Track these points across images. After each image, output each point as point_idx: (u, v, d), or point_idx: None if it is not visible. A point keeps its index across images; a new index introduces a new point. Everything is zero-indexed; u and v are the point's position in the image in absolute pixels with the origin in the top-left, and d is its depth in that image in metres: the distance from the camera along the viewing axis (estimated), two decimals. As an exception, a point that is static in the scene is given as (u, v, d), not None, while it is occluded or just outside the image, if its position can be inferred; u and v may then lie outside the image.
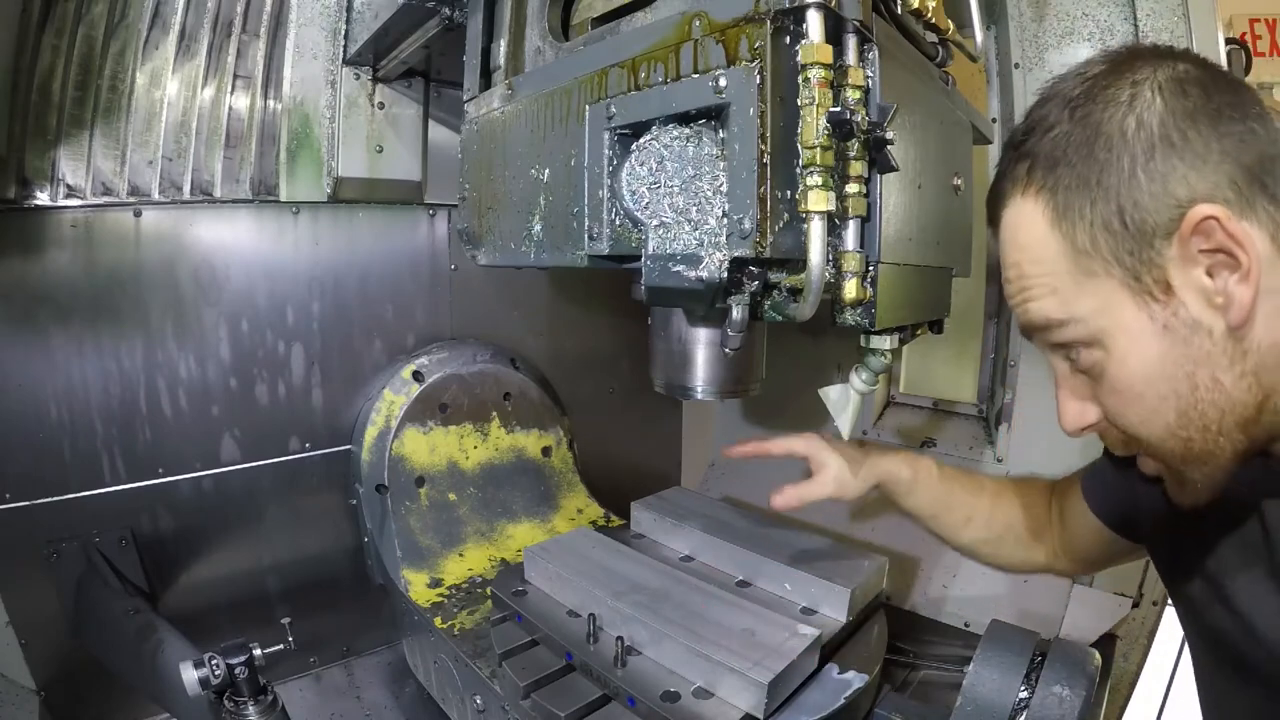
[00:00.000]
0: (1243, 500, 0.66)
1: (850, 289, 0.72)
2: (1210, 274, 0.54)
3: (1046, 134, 0.58)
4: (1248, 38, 3.51)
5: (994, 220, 0.66)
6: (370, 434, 1.46)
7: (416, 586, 1.35)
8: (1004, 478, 1.08)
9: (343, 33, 1.38)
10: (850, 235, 0.72)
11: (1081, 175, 0.56)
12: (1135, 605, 1.37)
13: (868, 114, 0.69)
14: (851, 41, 0.68)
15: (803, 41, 0.65)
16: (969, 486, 1.04)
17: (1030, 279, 0.61)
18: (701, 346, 1.00)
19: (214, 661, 0.93)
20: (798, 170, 0.67)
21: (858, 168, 0.70)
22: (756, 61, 0.65)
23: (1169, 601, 1.39)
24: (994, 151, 1.55)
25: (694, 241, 0.71)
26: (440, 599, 1.33)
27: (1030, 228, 0.60)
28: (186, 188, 1.31)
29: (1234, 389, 0.56)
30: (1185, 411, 0.57)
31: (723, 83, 0.67)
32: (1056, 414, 0.67)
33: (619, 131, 0.77)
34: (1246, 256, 0.52)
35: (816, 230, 0.67)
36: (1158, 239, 0.54)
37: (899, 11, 0.78)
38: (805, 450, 1.02)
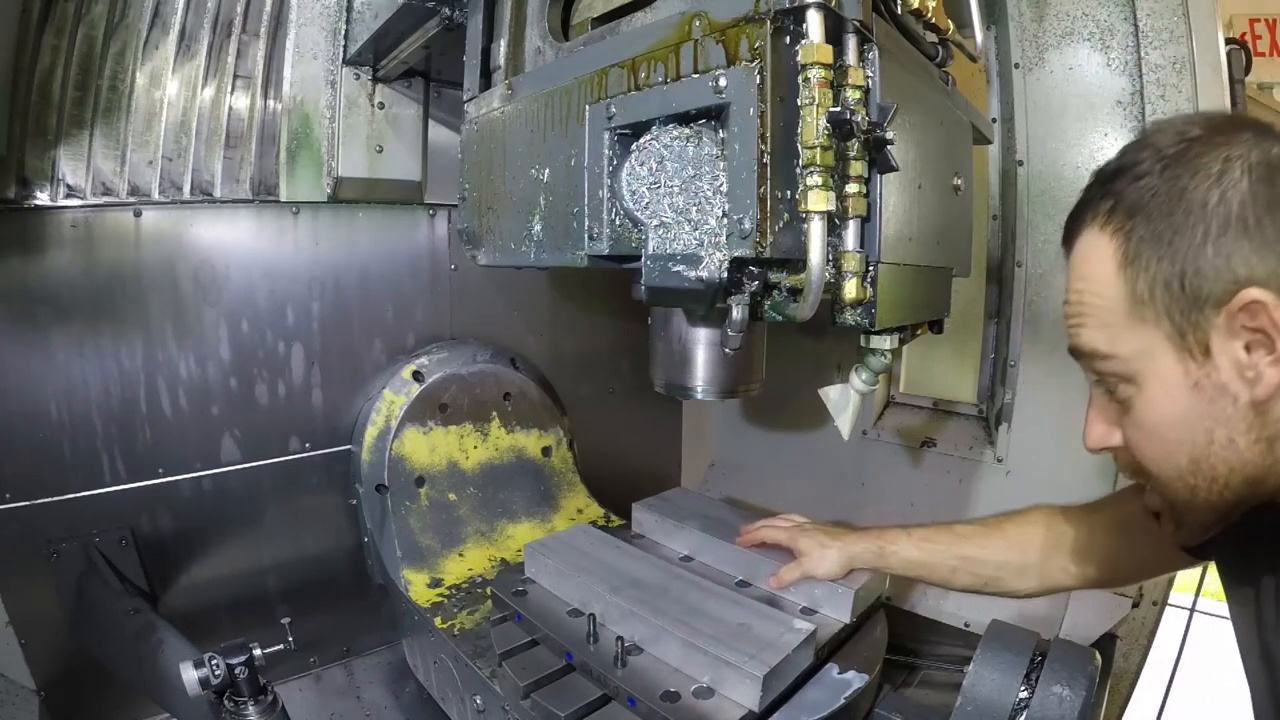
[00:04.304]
0: None
1: (850, 289, 0.72)
2: (1248, 349, 0.58)
3: (1135, 181, 0.61)
4: (1248, 38, 3.51)
5: (1069, 240, 0.69)
6: (370, 434, 1.46)
7: (416, 586, 1.35)
8: (998, 515, 1.11)
9: (343, 33, 1.37)
10: (850, 235, 0.72)
11: (1157, 231, 0.59)
12: (1135, 605, 1.37)
13: (868, 114, 0.69)
14: (851, 41, 0.68)
15: (803, 41, 0.65)
16: (947, 539, 1.10)
17: (1088, 308, 0.65)
18: (701, 346, 1.00)
19: (214, 661, 0.93)
20: (798, 170, 0.67)
21: (858, 168, 0.70)
22: (756, 61, 0.65)
23: (1169, 601, 1.39)
24: (994, 151, 1.55)
25: (694, 241, 0.71)
26: (440, 599, 1.33)
27: (1100, 263, 0.64)
28: (186, 188, 1.31)
29: (1247, 451, 0.60)
30: (1197, 460, 0.62)
31: (723, 83, 0.67)
32: (1083, 430, 0.73)
33: (619, 131, 0.77)
34: None
35: (816, 230, 0.67)
36: (1208, 307, 0.58)
37: (899, 11, 0.78)
38: (786, 541, 1.19)
